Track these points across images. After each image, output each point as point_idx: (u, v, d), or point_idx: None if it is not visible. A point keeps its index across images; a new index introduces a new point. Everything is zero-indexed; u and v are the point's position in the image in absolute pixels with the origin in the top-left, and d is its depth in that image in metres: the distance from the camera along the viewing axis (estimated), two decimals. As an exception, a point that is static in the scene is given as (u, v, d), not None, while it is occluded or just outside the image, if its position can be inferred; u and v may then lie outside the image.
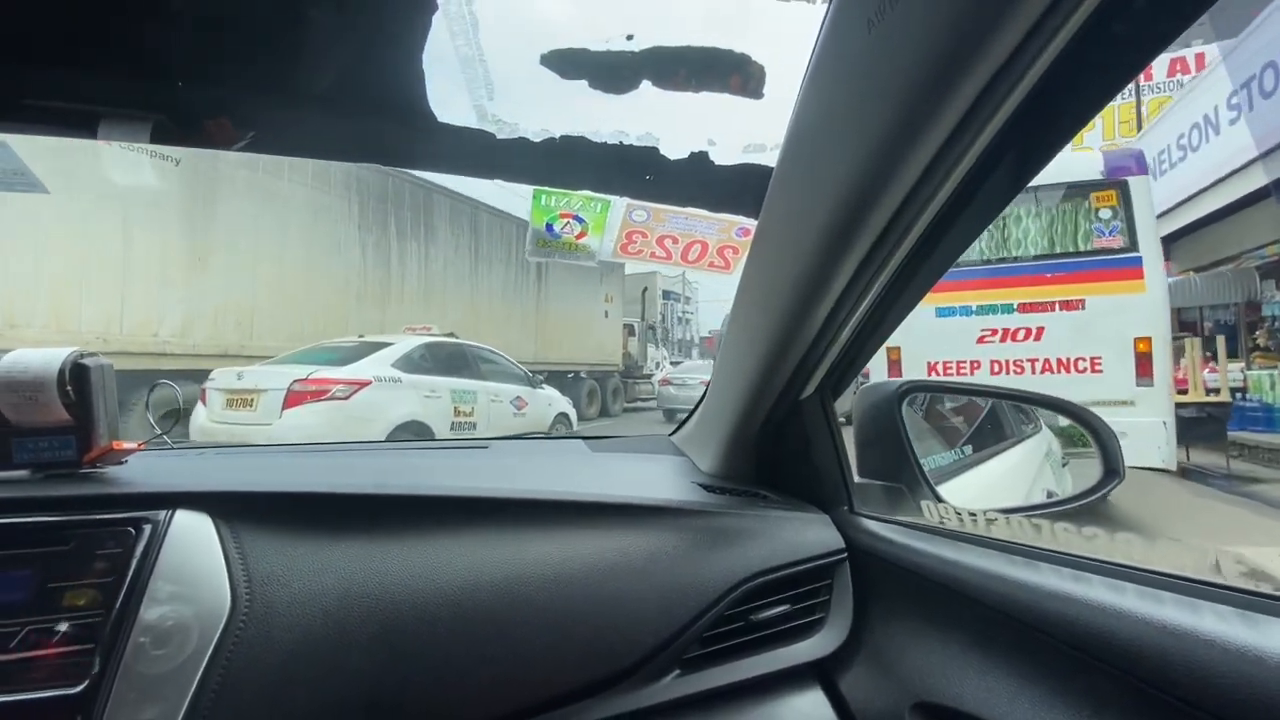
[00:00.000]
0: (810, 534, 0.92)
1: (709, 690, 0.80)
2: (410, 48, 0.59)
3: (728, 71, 0.61)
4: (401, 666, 0.68)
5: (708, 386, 1.15)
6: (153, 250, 6.52)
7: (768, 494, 1.00)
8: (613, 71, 0.59)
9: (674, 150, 0.70)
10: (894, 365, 5.00)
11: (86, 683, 0.58)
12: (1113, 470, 1.18)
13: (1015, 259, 5.02)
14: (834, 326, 0.81)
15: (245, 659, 0.62)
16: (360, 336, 6.47)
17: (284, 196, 7.66)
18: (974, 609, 0.69)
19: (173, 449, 0.87)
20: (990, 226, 4.40)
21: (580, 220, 0.79)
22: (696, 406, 1.22)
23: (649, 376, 14.72)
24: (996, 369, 4.88)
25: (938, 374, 4.97)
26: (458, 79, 0.60)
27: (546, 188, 0.74)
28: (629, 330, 14.72)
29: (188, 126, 0.74)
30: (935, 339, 4.89)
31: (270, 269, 7.44)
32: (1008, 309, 4.92)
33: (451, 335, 6.99)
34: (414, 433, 5.45)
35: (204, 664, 0.61)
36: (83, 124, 0.74)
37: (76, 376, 0.69)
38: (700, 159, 0.70)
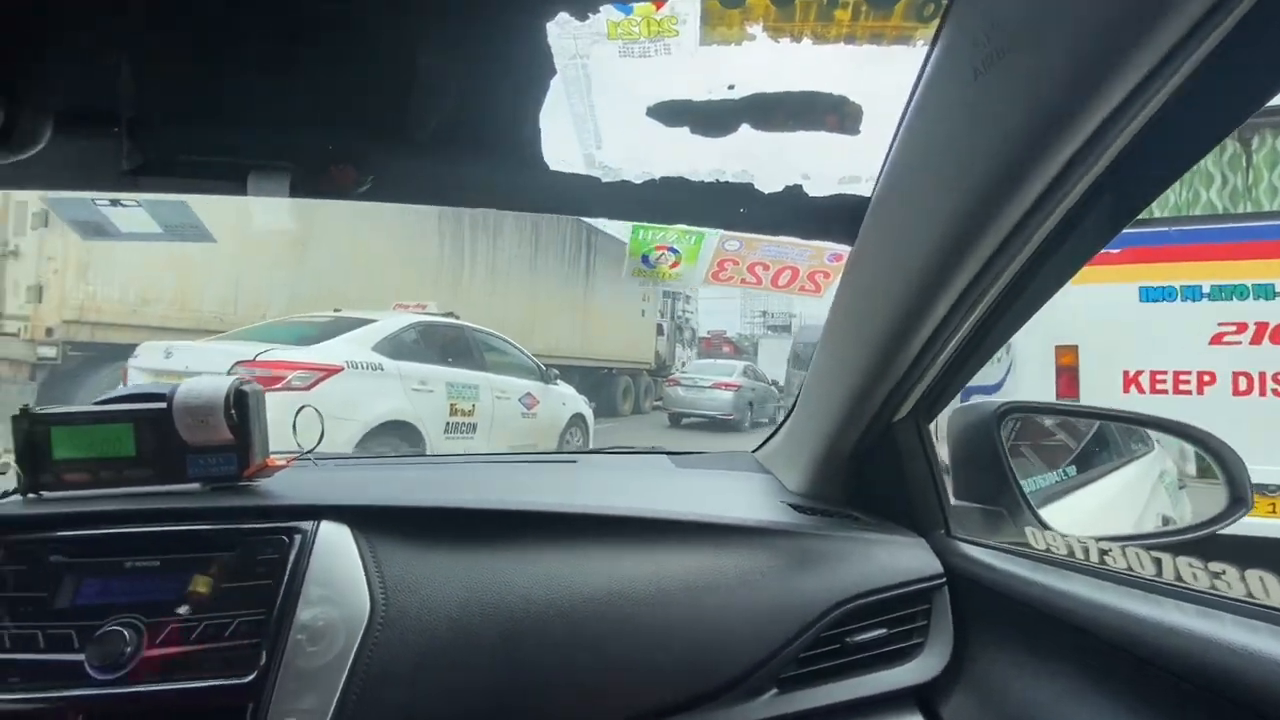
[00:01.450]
0: (907, 558, 0.91)
1: (806, 710, 0.80)
2: (529, 104, 0.64)
3: (825, 112, 0.63)
4: (519, 672, 0.73)
5: (793, 405, 1.16)
6: (264, 237, 6.48)
7: (859, 516, 1.00)
8: (715, 119, 0.62)
9: (769, 184, 0.72)
10: (1066, 375, 3.29)
11: (255, 673, 0.66)
12: (1240, 499, 1.09)
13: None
14: (931, 352, 0.80)
15: (384, 658, 0.69)
16: (336, 311, 5.34)
17: None
18: (1086, 641, 0.67)
19: (313, 463, 0.97)
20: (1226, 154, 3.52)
21: (675, 251, 0.82)
22: (781, 425, 1.23)
23: (669, 375, 14.07)
24: (1244, 386, 2.98)
25: (1140, 390, 3.15)
26: (569, 131, 0.65)
27: (645, 224, 0.78)
28: (659, 329, 14.48)
29: (317, 175, 0.83)
30: (1137, 335, 3.15)
31: (363, 257, 7.46)
32: (1268, 292, 3.00)
33: (452, 315, 5.84)
34: (398, 435, 4.42)
35: (350, 662, 0.68)
36: (233, 179, 0.83)
37: (238, 401, 0.80)
38: (794, 191, 0.72)
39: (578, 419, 6.40)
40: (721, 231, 0.80)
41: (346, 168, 0.82)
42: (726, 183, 0.71)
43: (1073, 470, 1.33)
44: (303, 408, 0.88)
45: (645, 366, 13.22)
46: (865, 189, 0.73)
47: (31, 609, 0.69)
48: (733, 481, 1.16)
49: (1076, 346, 3.28)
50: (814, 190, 0.72)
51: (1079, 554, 0.77)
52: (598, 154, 0.67)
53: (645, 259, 0.83)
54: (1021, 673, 0.77)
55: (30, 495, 0.79)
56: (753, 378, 12.38)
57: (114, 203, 0.71)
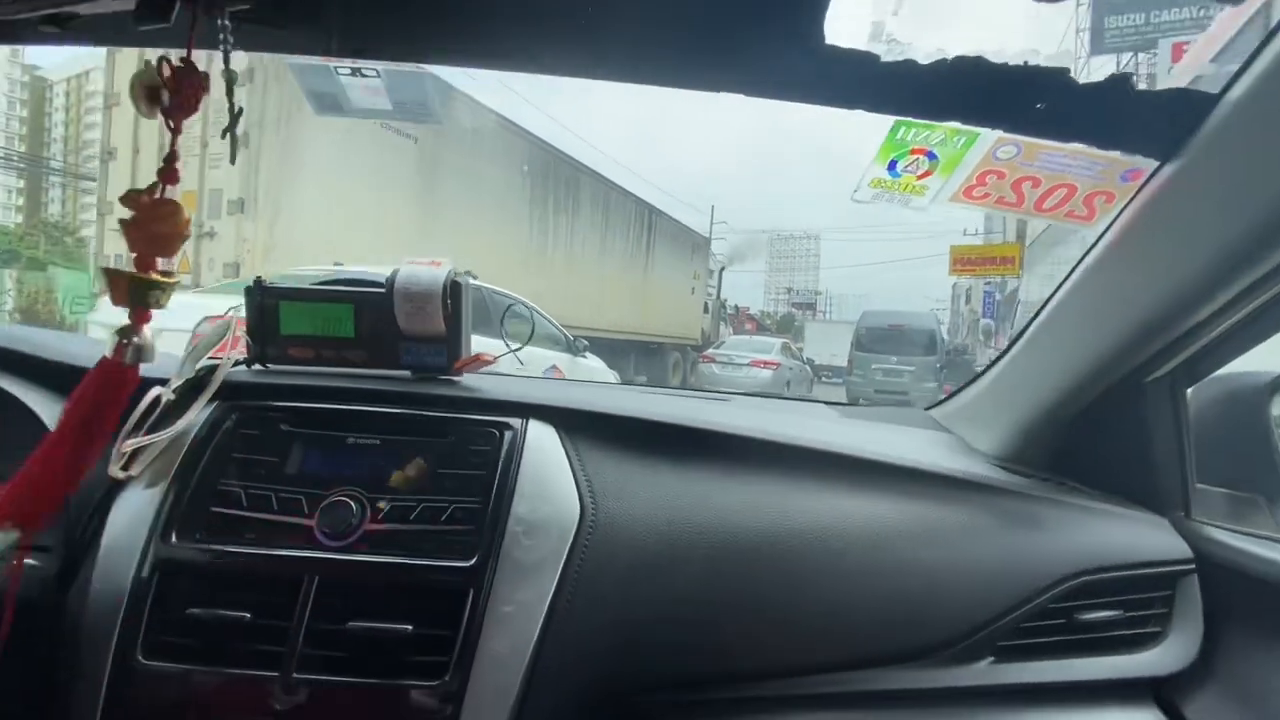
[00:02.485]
0: (1146, 536, 0.79)
1: (1026, 685, 0.73)
2: None
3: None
4: (725, 598, 0.70)
5: (995, 361, 1.03)
6: (394, 211, 7.16)
7: (1076, 485, 0.88)
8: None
9: (1088, 74, 0.59)
10: None
11: (475, 559, 0.66)
12: None
13: None
14: (1237, 306, 0.67)
15: (596, 561, 0.68)
16: (336, 264, 5.13)
17: (479, 174, 8.19)
18: None
19: (518, 362, 0.97)
20: None
21: (933, 157, 0.72)
22: (969, 384, 1.11)
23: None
24: None
25: None
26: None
27: (915, 120, 0.68)
28: (704, 307, 14.60)
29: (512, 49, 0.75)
30: None
31: (469, 235, 7.90)
32: None
33: (469, 274, 6.16)
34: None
35: (563, 560, 0.67)
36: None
37: (453, 292, 0.78)
38: (1119, 83, 0.59)
39: (607, 398, 6.44)
40: (999, 134, 0.68)
41: (544, 45, 0.74)
42: (1036, 67, 0.59)
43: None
44: (510, 306, 0.86)
45: (692, 342, 13.36)
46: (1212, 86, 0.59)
47: (264, 472, 0.71)
48: (915, 435, 1.07)
49: None
50: (1146, 85, 0.59)
51: None
52: (890, 23, 0.57)
53: (892, 165, 0.73)
54: None
55: (257, 366, 0.82)
56: (790, 356, 11.77)
57: (355, 72, 0.69)
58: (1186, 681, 0.74)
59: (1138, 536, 0.79)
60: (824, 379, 16.58)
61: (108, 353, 0.61)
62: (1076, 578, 0.75)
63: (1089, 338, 0.81)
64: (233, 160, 0.63)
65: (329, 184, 6.33)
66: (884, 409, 1.26)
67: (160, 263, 0.58)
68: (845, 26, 0.58)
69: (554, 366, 4.86)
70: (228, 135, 0.58)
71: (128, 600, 0.63)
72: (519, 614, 0.64)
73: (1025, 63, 0.59)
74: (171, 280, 0.59)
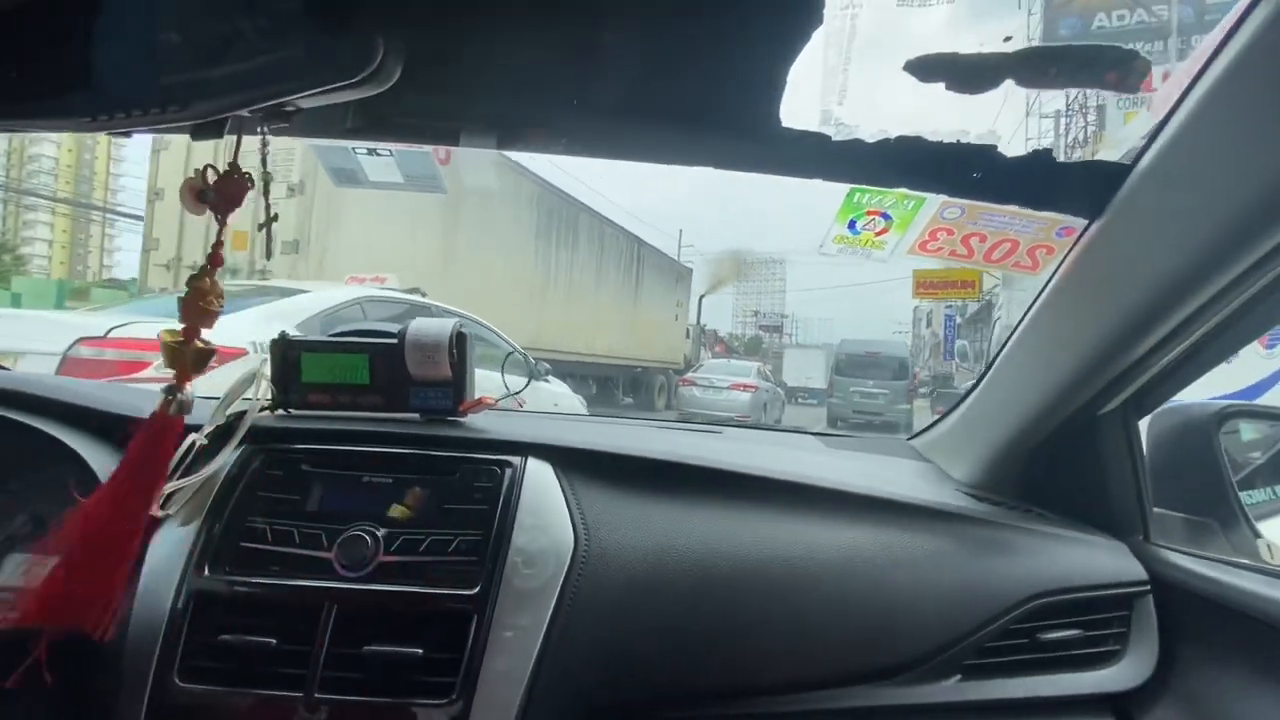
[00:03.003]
0: (1105, 560, 0.85)
1: (991, 701, 0.78)
2: (783, 56, 0.63)
3: (1106, 69, 0.58)
4: (708, 622, 0.76)
5: (968, 393, 1.10)
6: (423, 249, 7.63)
7: (1043, 512, 0.94)
8: (978, 74, 0.59)
9: (1013, 147, 0.68)
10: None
11: (479, 588, 0.72)
12: None
13: None
14: (1170, 343, 0.74)
15: (589, 588, 0.74)
16: (262, 276, 4.67)
17: (495, 212, 8.73)
18: None
19: (516, 410, 1.05)
20: None
21: (887, 217, 0.80)
22: (948, 413, 1.17)
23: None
24: None
25: None
26: (814, 86, 0.64)
27: (868, 186, 0.76)
28: (686, 333, 15.58)
29: (517, 135, 0.86)
30: None
31: (485, 270, 8.40)
32: None
33: (417, 291, 5.09)
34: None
35: (559, 588, 0.73)
36: (448, 136, 0.87)
37: (459, 342, 0.86)
38: (1042, 156, 0.68)
39: (574, 426, 6.64)
40: (943, 197, 0.76)
41: (541, 131, 0.84)
42: (967, 144, 0.67)
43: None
44: (510, 353, 0.94)
45: (676, 366, 14.15)
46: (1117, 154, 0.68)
47: (287, 509, 0.78)
48: (893, 466, 1.13)
49: None
50: (1064, 155, 0.67)
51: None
52: (837, 110, 0.66)
53: (852, 224, 0.81)
54: (1251, 698, 0.71)
55: (281, 412, 0.90)
56: (764, 379, 12.37)
57: (370, 151, 0.78)
58: (1143, 697, 0.78)
59: (1096, 560, 0.85)
60: (799, 400, 17.79)
61: (156, 407, 0.69)
62: (1037, 599, 0.80)
63: (1042, 375, 0.88)
64: (268, 256, 0.72)
65: (368, 224, 6.84)
66: (867, 439, 1.32)
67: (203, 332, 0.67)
68: (799, 113, 0.67)
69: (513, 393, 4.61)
70: (264, 230, 0.67)
71: (165, 628, 0.70)
72: (519, 637, 0.71)
73: (957, 140, 0.67)
74: (211, 348, 0.68)
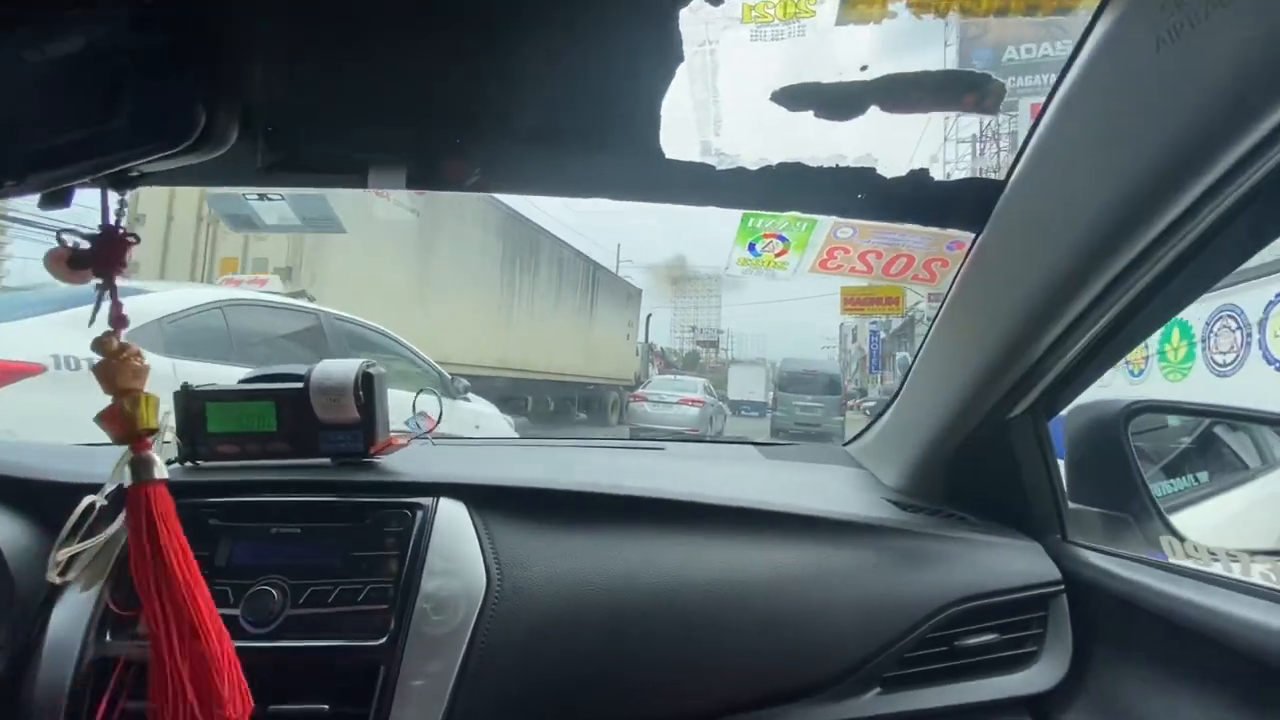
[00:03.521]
0: (1021, 562, 0.86)
1: (911, 712, 0.79)
2: (647, 93, 0.64)
3: (963, 91, 0.59)
4: (626, 650, 0.75)
5: (893, 397, 1.12)
6: (401, 275, 7.95)
7: (965, 516, 0.95)
8: (843, 102, 0.60)
9: (891, 169, 0.69)
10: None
11: (386, 637, 0.71)
12: None
13: None
14: (1062, 347, 0.76)
15: (500, 630, 0.73)
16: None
17: (466, 239, 9.18)
18: (1244, 667, 0.62)
19: (430, 443, 1.03)
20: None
21: (783, 239, 0.81)
22: (876, 419, 1.19)
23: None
24: None
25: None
26: (689, 118, 0.65)
27: (759, 211, 0.77)
28: (636, 350, 16.72)
29: (431, 169, 0.85)
30: None
31: (457, 295, 8.80)
32: None
33: (304, 295, 4.43)
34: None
35: (469, 632, 0.72)
36: (354, 172, 0.87)
37: (365, 384, 0.85)
38: (919, 176, 0.69)
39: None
40: (835, 218, 0.77)
41: (458, 161, 0.84)
42: (846, 168, 0.68)
43: (1204, 476, 1.22)
44: (420, 391, 0.93)
45: (627, 382, 14.93)
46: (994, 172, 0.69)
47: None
48: (827, 475, 1.14)
49: None
50: (940, 174, 0.69)
51: (1233, 569, 0.71)
52: (715, 141, 0.67)
53: (751, 247, 0.82)
54: (1154, 690, 0.73)
55: (188, 464, 0.88)
56: (709, 393, 13.34)
57: (261, 197, 0.77)
58: (1058, 698, 0.80)
59: (1011, 562, 0.86)
60: (743, 413, 19.49)
61: (126, 482, 0.66)
62: (954, 606, 0.81)
63: (951, 381, 0.90)
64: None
65: (352, 251, 7.10)
66: (805, 447, 1.33)
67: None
68: (679, 144, 0.68)
69: (423, 414, 2.89)
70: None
71: (68, 696, 0.68)
72: (428, 686, 0.69)
73: (836, 165, 0.68)
74: (153, 396, 0.66)
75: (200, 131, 0.45)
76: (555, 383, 11.46)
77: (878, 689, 0.79)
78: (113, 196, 0.56)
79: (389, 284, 7.61)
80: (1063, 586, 0.84)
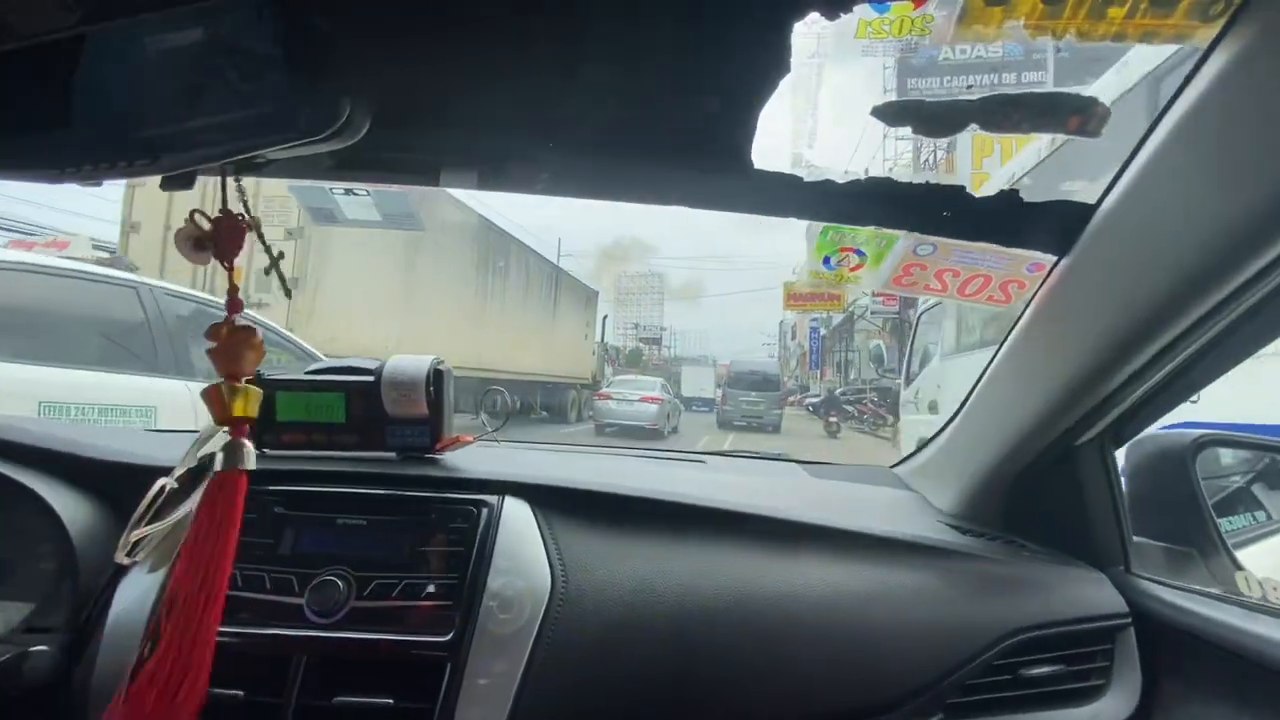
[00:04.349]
0: (1087, 592, 0.85)
1: None
2: (744, 102, 0.64)
3: (1068, 114, 0.59)
4: (686, 660, 0.74)
5: (949, 421, 1.10)
6: (391, 283, 8.34)
7: (1024, 543, 0.94)
8: (942, 118, 0.61)
9: (981, 187, 0.69)
10: None
11: (452, 634, 0.71)
12: None
13: None
14: (1143, 377, 0.75)
15: (565, 632, 0.73)
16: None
17: (445, 247, 9.65)
18: None
19: (495, 442, 1.04)
20: None
21: (860, 254, 0.81)
22: (929, 441, 1.18)
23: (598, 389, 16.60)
24: None
25: None
26: (784, 129, 0.65)
27: (840, 224, 0.77)
28: (593, 350, 17.16)
29: (500, 172, 0.86)
30: None
31: (439, 299, 9.25)
32: None
33: (123, 263, 3.60)
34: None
35: (535, 632, 0.72)
36: (427, 172, 0.88)
37: (436, 380, 0.86)
38: (1009, 195, 0.69)
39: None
40: (915, 235, 0.77)
41: (523, 164, 0.85)
42: (935, 184, 0.69)
43: (1262, 515, 1.20)
44: (490, 389, 0.93)
45: (584, 381, 15.54)
46: (1088, 195, 0.69)
47: (260, 554, 0.77)
48: (878, 495, 1.13)
49: None
50: (1031, 196, 0.69)
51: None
52: (807, 152, 0.67)
53: (827, 260, 0.82)
54: None
55: (255, 451, 0.88)
56: (666, 392, 14.58)
57: (348, 191, 0.78)
58: None
59: (1077, 592, 0.85)
60: (694, 409, 21.19)
61: (218, 467, 0.67)
62: (1018, 634, 0.80)
63: (1019, 405, 0.89)
64: (288, 295, 0.70)
65: (350, 261, 7.51)
66: (850, 468, 1.32)
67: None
68: (771, 155, 0.68)
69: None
70: (272, 272, 0.65)
71: (129, 678, 0.68)
72: (494, 685, 0.69)
73: (926, 181, 0.68)
74: (255, 390, 0.66)
75: (343, 122, 0.46)
76: (521, 382, 11.83)
77: (940, 715, 0.77)
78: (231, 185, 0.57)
79: (379, 289, 8.02)
80: (1130, 619, 0.83)
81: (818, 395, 20.99)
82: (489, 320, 10.78)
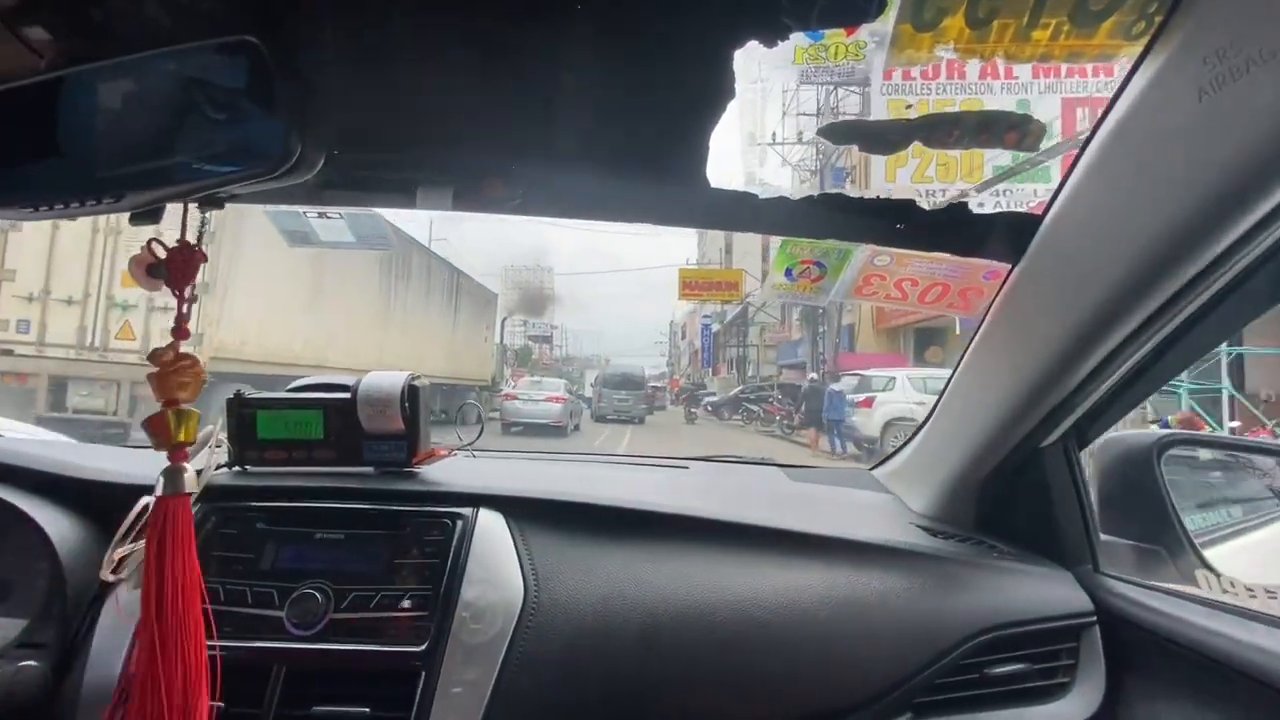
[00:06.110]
0: (1053, 591, 0.86)
1: None
2: (697, 125, 0.67)
3: (1004, 131, 0.61)
4: (658, 666, 0.76)
5: (923, 424, 1.12)
6: (298, 287, 8.40)
7: (995, 543, 0.95)
8: (888, 138, 0.63)
9: (931, 200, 0.71)
10: None
11: (427, 643, 0.73)
12: None
13: None
14: (1099, 377, 0.77)
15: (537, 641, 0.75)
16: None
17: (350, 252, 9.32)
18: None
19: (471, 455, 1.06)
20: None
21: (820, 266, 0.83)
22: (906, 443, 1.19)
23: (500, 390, 16.84)
24: None
25: None
26: (735, 149, 0.67)
27: (798, 238, 0.79)
28: (493, 352, 17.84)
29: (474, 189, 0.89)
30: None
31: (343, 304, 9.29)
32: None
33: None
34: None
35: (507, 641, 0.74)
36: (403, 192, 0.90)
37: (410, 396, 0.88)
38: (958, 207, 0.71)
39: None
40: (871, 246, 0.79)
41: (497, 182, 0.87)
42: (886, 199, 0.71)
43: (1237, 511, 1.21)
44: (464, 404, 0.95)
45: (484, 383, 15.94)
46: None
47: (241, 568, 0.79)
48: (855, 499, 1.15)
49: None
50: (978, 207, 0.71)
51: (1271, 605, 0.71)
52: (759, 171, 0.69)
53: (788, 273, 0.84)
54: None
55: (237, 469, 0.91)
56: (569, 392, 15.58)
57: (321, 215, 0.81)
58: None
59: (1043, 592, 0.86)
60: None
61: (159, 492, 0.65)
62: (984, 634, 0.81)
63: (983, 409, 0.90)
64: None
65: (257, 267, 7.49)
66: (830, 471, 1.33)
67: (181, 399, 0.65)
68: (725, 175, 0.71)
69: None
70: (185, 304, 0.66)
71: (114, 697, 0.70)
72: (467, 693, 0.71)
73: (878, 195, 0.70)
74: (195, 412, 0.67)
75: (296, 159, 0.48)
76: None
77: (908, 715, 0.79)
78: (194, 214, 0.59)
79: (289, 293, 8.18)
80: (1095, 617, 0.84)
81: (714, 394, 21.05)
82: (393, 323, 10.97)
